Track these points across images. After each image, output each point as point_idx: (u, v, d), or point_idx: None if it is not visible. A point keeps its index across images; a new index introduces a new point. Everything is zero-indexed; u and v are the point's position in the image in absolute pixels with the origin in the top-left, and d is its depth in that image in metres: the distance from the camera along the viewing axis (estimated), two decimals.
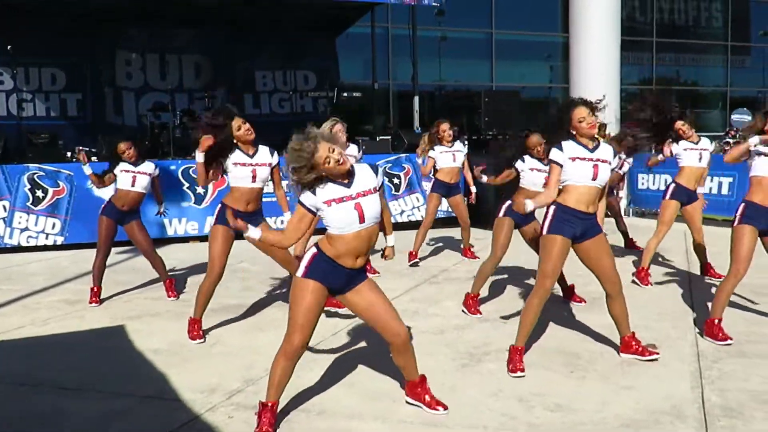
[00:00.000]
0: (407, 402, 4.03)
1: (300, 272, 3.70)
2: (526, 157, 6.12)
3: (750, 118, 17.61)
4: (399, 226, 11.16)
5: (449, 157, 8.43)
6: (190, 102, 14.48)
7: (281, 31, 14.98)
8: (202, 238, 10.48)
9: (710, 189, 11.04)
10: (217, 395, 4.33)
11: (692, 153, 7.09)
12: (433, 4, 12.64)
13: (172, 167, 10.52)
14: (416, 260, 8.53)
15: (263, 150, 5.55)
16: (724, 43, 24.76)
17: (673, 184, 7.24)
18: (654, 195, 11.08)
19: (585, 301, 6.34)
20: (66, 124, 13.91)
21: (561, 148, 4.59)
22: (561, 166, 4.57)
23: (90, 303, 6.71)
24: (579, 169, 4.55)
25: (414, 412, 3.89)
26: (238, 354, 5.17)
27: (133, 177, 6.74)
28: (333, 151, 3.51)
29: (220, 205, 5.47)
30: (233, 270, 8.37)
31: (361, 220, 3.60)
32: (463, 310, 6.21)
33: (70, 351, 5.34)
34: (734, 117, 17.82)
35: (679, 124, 6.96)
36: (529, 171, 6.11)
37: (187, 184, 10.51)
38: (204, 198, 10.58)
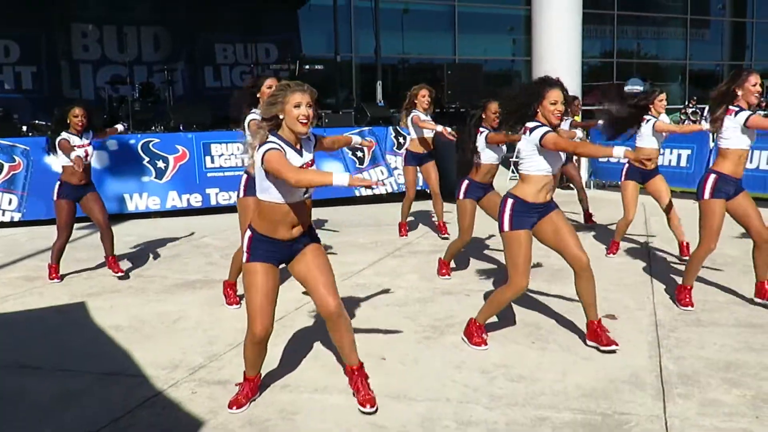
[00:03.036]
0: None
1: (244, 258, 3.65)
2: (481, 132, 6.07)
3: (642, 88, 17.82)
4: (364, 200, 11.18)
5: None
6: (149, 75, 14.25)
7: (242, 2, 14.77)
8: (164, 214, 10.37)
9: (669, 161, 11.21)
10: (180, 371, 4.30)
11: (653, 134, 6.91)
12: None
13: (132, 141, 10.34)
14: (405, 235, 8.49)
15: None
16: (684, 17, 25.00)
17: (627, 164, 7.06)
18: (615, 168, 11.19)
19: None
20: (21, 97, 13.61)
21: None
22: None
23: (51, 279, 6.61)
24: (548, 158, 4.30)
25: (378, 384, 3.91)
26: (201, 329, 5.14)
27: (82, 152, 6.45)
28: (308, 105, 3.47)
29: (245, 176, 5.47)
30: (196, 245, 8.31)
31: (306, 191, 3.58)
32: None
33: (30, 328, 5.26)
34: (627, 88, 18.06)
35: (662, 96, 6.93)
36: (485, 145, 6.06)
37: (147, 159, 10.35)
38: (165, 173, 10.43)
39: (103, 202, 6.79)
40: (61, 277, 6.68)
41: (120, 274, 6.73)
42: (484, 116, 6.00)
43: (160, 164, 10.44)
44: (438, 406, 3.74)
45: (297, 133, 3.52)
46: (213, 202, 10.66)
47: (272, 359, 4.43)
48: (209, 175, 10.65)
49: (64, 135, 6.45)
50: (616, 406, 3.68)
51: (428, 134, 8.20)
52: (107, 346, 4.84)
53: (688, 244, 6.94)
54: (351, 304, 5.38)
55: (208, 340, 4.87)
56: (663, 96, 7.01)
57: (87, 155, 6.55)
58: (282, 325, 5.10)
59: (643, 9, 24.32)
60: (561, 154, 4.41)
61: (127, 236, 7.07)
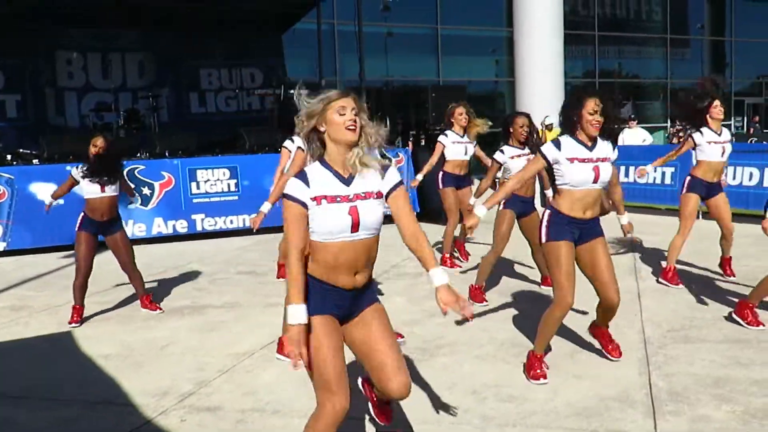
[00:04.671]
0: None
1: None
2: (505, 147, 6.13)
3: None
4: None
5: (461, 148, 7.68)
6: (134, 101, 14.24)
7: (227, 28, 14.82)
8: (149, 240, 10.33)
9: (654, 179, 11.32)
10: (169, 398, 4.27)
11: (715, 146, 6.39)
12: None
13: None
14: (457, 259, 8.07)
15: None
16: (664, 36, 25.33)
17: (689, 177, 6.57)
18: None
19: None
20: (5, 126, 13.55)
21: (558, 146, 4.20)
22: (550, 164, 4.23)
23: (70, 323, 6.00)
24: (577, 172, 4.18)
25: (367, 409, 3.89)
26: (190, 355, 5.11)
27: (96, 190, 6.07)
28: (352, 110, 2.85)
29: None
30: (183, 271, 8.28)
31: (354, 228, 2.84)
32: (470, 301, 6.12)
33: (16, 358, 5.22)
34: None
35: (716, 103, 6.36)
36: (511, 160, 6.08)
37: (132, 185, 10.30)
38: (151, 199, 10.40)
39: (130, 245, 6.38)
40: (81, 321, 6.09)
41: (159, 311, 6.38)
42: (511, 131, 6.11)
43: (146, 191, 10.41)
44: (430, 429, 3.73)
45: (345, 143, 2.85)
46: (199, 228, 10.63)
47: (262, 385, 4.41)
48: (195, 201, 10.63)
49: (74, 171, 6.09)
50: (607, 424, 3.69)
51: (463, 157, 7.75)
52: (96, 374, 4.80)
53: (730, 258, 6.81)
54: None
55: (197, 367, 4.84)
56: (718, 103, 6.39)
57: (102, 187, 6.05)
58: (271, 350, 5.09)
59: (623, 29, 24.62)
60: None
61: (113, 264, 7.01)
